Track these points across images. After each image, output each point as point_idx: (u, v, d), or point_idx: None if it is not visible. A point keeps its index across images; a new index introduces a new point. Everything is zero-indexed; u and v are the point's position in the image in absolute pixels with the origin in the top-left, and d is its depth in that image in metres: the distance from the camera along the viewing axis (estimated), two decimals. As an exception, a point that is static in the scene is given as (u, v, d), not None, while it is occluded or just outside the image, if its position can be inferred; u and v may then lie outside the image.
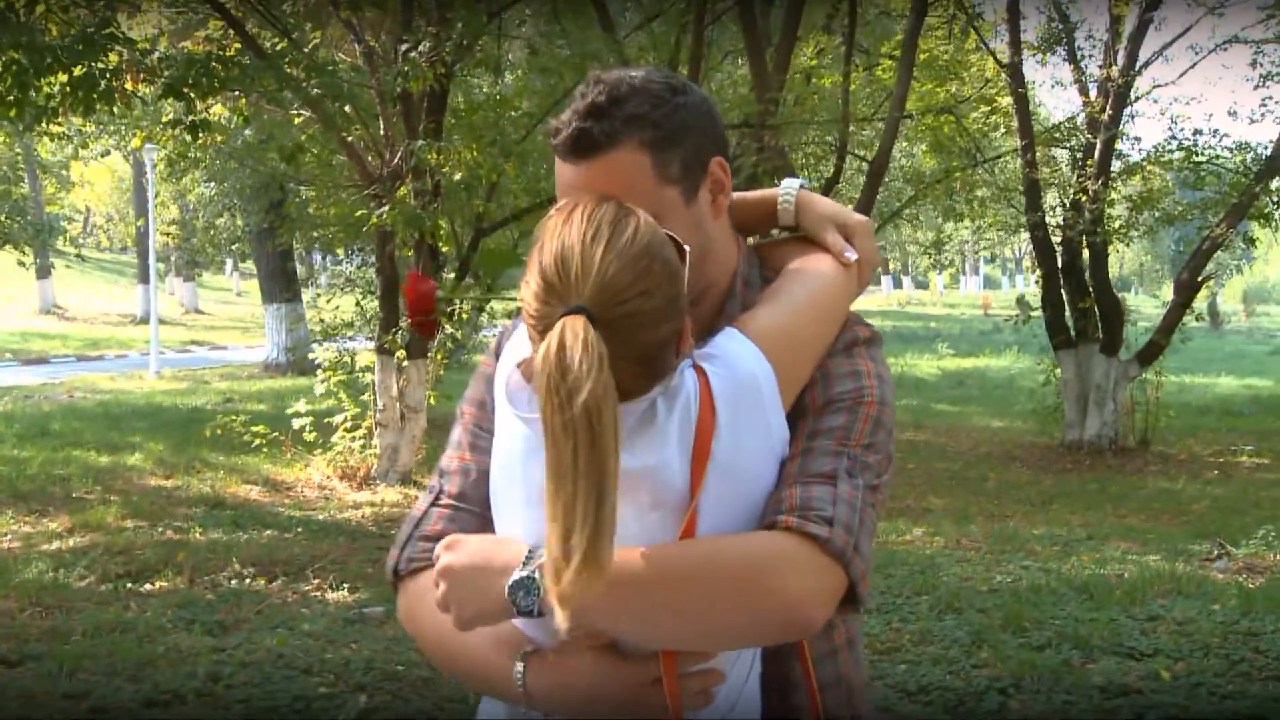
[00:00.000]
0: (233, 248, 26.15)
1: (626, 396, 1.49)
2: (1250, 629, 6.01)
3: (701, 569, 1.51)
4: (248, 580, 7.31)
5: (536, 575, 1.51)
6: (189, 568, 7.50)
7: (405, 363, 11.36)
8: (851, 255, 1.80)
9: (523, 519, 1.61)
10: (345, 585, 7.27)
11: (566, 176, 1.66)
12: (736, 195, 1.86)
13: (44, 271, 37.00)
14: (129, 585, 7.16)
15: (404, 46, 10.03)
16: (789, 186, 1.89)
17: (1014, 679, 5.37)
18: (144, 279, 33.63)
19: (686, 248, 1.58)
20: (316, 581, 7.38)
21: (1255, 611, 6.33)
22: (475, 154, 10.99)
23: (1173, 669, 5.46)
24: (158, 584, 7.22)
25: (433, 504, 1.78)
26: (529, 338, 1.56)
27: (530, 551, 1.54)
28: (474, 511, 1.74)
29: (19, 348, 29.32)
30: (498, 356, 1.77)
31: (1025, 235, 17.11)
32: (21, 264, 29.58)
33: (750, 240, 1.90)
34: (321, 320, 16.06)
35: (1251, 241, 15.49)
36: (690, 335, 1.58)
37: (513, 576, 1.53)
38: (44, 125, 10.47)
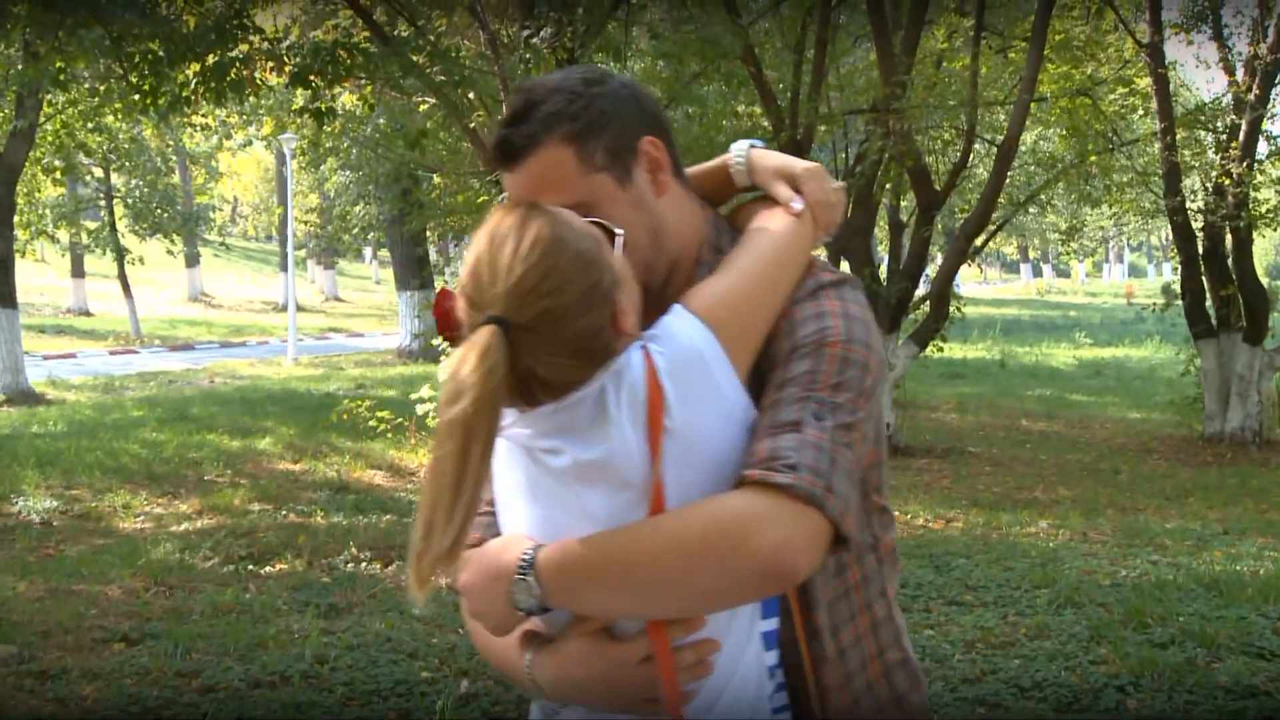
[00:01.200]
0: (369, 235, 26.64)
1: (567, 389, 1.59)
2: (1389, 632, 5.71)
3: (673, 537, 1.54)
4: (364, 564, 7.42)
5: (530, 576, 1.58)
6: (308, 550, 7.65)
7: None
8: (797, 205, 1.81)
9: (520, 521, 1.69)
10: (459, 570, 7.33)
11: (506, 184, 1.74)
12: (694, 169, 1.91)
13: (192, 260, 38.31)
14: (250, 567, 7.33)
15: (526, 33, 10.08)
16: (739, 148, 1.91)
17: (1133, 677, 5.18)
18: (285, 267, 34.50)
19: (618, 231, 1.66)
20: (431, 566, 7.45)
21: (1396, 614, 6.02)
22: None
23: (1305, 672, 5.21)
24: (278, 566, 7.37)
25: None
26: None
27: (524, 555, 1.60)
28: (491, 510, 1.79)
29: (167, 334, 30.35)
30: None
31: (1167, 222, 16.54)
32: (170, 252, 30.67)
33: (724, 209, 1.93)
34: (450, 307, 16.24)
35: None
36: (630, 316, 1.64)
37: (513, 580, 1.60)
38: (180, 115, 10.77)
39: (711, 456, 1.62)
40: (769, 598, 1.68)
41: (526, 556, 1.60)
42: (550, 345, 1.56)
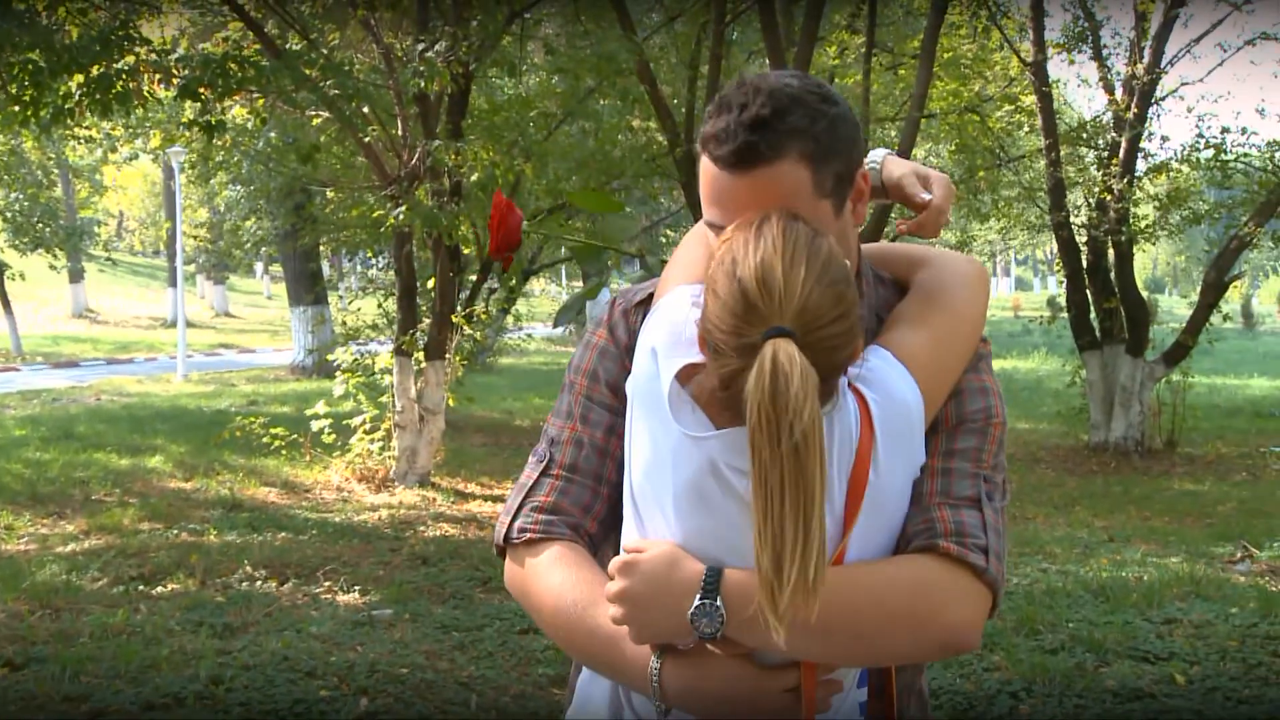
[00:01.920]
0: (260, 250, 26.23)
1: None
2: (1269, 633, 5.91)
3: (876, 596, 1.59)
4: (259, 583, 7.31)
5: (719, 601, 1.57)
6: (201, 570, 7.50)
7: (423, 364, 11.35)
8: (925, 196, 1.86)
9: (669, 520, 1.64)
10: (356, 587, 7.26)
11: (723, 185, 1.65)
12: None
13: (76, 275, 37.35)
14: (141, 588, 7.17)
15: (421, 47, 10.01)
16: (875, 154, 1.94)
17: (1026, 682, 5.30)
18: (173, 282, 33.82)
19: (848, 263, 1.59)
20: (327, 584, 7.37)
21: (1275, 615, 6.23)
22: (492, 154, 10.96)
23: (1188, 673, 5.37)
24: (169, 586, 7.22)
25: (543, 473, 1.80)
26: (705, 352, 1.57)
27: (708, 575, 1.58)
28: (586, 484, 1.78)
29: (50, 351, 29.54)
30: (610, 330, 1.85)
31: (1052, 236, 16.94)
32: (53, 268, 29.87)
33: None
34: (344, 323, 16.08)
35: (1280, 240, 15.26)
36: (855, 359, 1.60)
37: (694, 602, 1.58)
38: (63, 127, 10.50)
39: (890, 515, 1.65)
40: None
41: (710, 579, 1.58)
42: (819, 371, 1.48)
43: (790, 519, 1.44)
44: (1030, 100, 15.62)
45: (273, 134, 14.70)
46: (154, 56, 9.20)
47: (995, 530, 1.65)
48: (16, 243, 27.73)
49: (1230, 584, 7.23)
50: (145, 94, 9.41)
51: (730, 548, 1.59)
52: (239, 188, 21.11)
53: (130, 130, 16.48)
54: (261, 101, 11.07)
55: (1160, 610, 6.45)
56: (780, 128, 1.61)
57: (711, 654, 1.62)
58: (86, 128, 16.11)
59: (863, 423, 1.59)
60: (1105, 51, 15.18)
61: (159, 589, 7.16)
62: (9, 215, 27.49)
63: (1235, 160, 14.60)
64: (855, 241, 1.80)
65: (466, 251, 12.89)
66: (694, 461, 1.60)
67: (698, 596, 1.57)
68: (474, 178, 11.21)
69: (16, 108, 9.36)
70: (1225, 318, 14.94)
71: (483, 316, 12.63)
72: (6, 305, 28.14)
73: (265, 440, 11.77)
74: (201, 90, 9.16)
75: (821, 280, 1.50)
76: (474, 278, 14.12)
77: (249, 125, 13.44)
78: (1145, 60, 14.33)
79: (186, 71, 9.13)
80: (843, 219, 1.70)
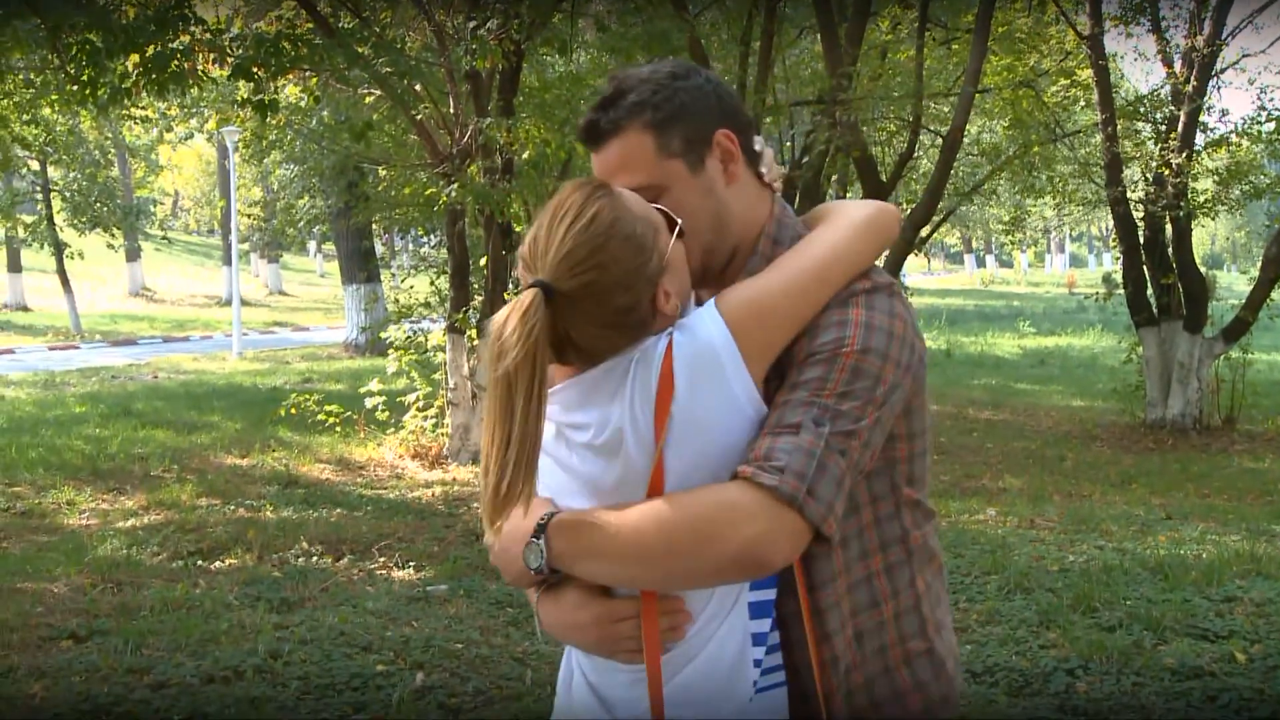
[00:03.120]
0: (314, 229, 26.40)
1: (598, 357, 1.79)
2: (1331, 612, 5.82)
3: (662, 521, 1.70)
4: (315, 558, 7.38)
5: (541, 540, 1.77)
6: (258, 545, 7.59)
7: (476, 342, 11.39)
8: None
9: (542, 483, 1.84)
10: (411, 564, 7.31)
11: (593, 162, 1.93)
12: None
13: (133, 254, 37.81)
14: (199, 562, 7.27)
15: (472, 24, 10.02)
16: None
17: (1082, 660, 5.25)
18: (228, 261, 34.14)
19: (678, 220, 1.84)
20: (383, 560, 7.43)
21: (1337, 594, 6.13)
22: (543, 132, 10.95)
23: (1248, 651, 5.30)
24: (227, 561, 7.31)
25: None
26: None
27: (541, 519, 1.79)
28: None
29: (108, 329, 29.96)
30: None
31: (1108, 212, 16.71)
32: (111, 247, 30.29)
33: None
34: (397, 300, 16.18)
35: (1343, 214, 14.97)
36: (672, 300, 1.81)
37: (526, 543, 1.79)
38: (120, 107, 10.59)
39: (715, 447, 1.76)
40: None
41: (541, 522, 1.78)
42: (588, 315, 1.75)
43: (495, 436, 1.69)
44: (1086, 74, 15.41)
45: (325, 112, 14.78)
46: (208, 36, 9.25)
47: (806, 451, 1.70)
48: (75, 222, 28.10)
49: (1291, 563, 7.13)
50: (200, 74, 9.47)
51: (577, 497, 1.82)
52: (292, 166, 21.28)
53: (185, 110, 16.64)
54: (315, 80, 11.13)
55: (1220, 588, 6.36)
56: (621, 104, 1.89)
57: (567, 589, 1.82)
58: (143, 108, 16.25)
59: (665, 361, 1.74)
60: (1164, 24, 14.91)
61: (217, 564, 7.25)
62: (68, 195, 27.85)
63: (1297, 133, 14.33)
64: (748, 198, 1.96)
65: (518, 229, 12.89)
66: (550, 432, 1.83)
67: (529, 537, 1.78)
68: (525, 155, 11.21)
69: (74, 87, 9.47)
70: (1290, 294, 14.67)
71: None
72: (66, 284, 28.53)
73: (320, 417, 11.89)
74: (255, 69, 9.21)
75: (580, 235, 1.73)
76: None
77: (302, 104, 13.52)
78: (1205, 32, 14.08)
79: (240, 51, 9.18)
80: (704, 176, 1.90)
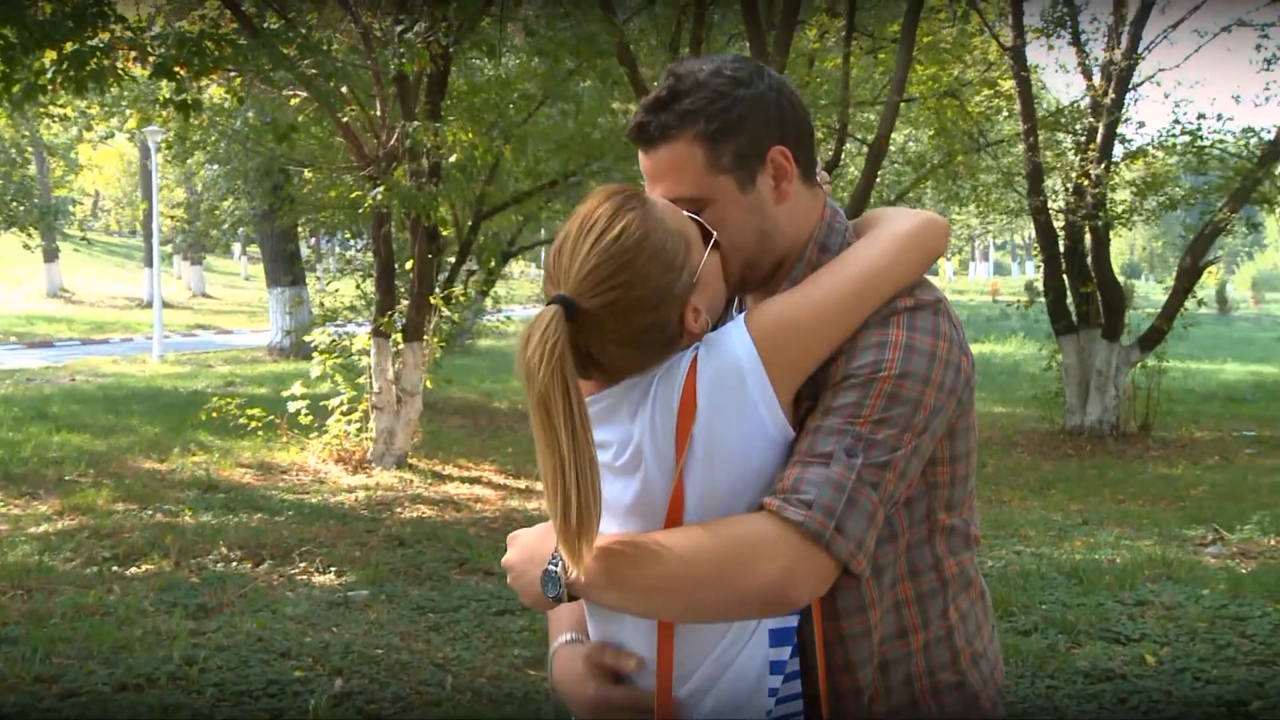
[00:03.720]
0: (238, 231, 26.05)
1: (621, 375, 1.72)
2: (1238, 613, 5.95)
3: (688, 553, 1.64)
4: (234, 564, 7.29)
5: (558, 568, 1.71)
6: (175, 551, 7.48)
7: (401, 346, 11.32)
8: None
9: None
10: (332, 569, 7.25)
11: (640, 161, 1.83)
12: None
13: (51, 254, 37.05)
14: (114, 568, 7.15)
15: (399, 27, 9.96)
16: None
17: (998, 665, 5.31)
18: (149, 263, 33.62)
19: (714, 234, 1.75)
20: (303, 565, 7.36)
21: (1243, 596, 6.29)
22: (470, 136, 10.91)
23: (1158, 654, 5.41)
24: (143, 567, 7.19)
25: None
26: None
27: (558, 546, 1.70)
28: None
29: (24, 331, 29.36)
30: None
31: (1031, 221, 16.98)
32: (27, 247, 29.62)
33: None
34: (322, 304, 16.02)
35: (1255, 226, 15.33)
36: (702, 317, 1.73)
37: (544, 569, 1.74)
38: (36, 105, 10.39)
39: (738, 470, 1.69)
40: None
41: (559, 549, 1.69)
42: (610, 333, 1.67)
43: (547, 467, 1.61)
44: (1009, 85, 15.65)
45: (250, 113, 14.61)
46: (129, 34, 9.11)
47: (836, 484, 1.62)
48: (-10, 221, 27.51)
49: (1201, 566, 7.29)
50: (120, 72, 9.33)
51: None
52: (216, 167, 20.98)
53: (106, 108, 16.35)
54: (239, 80, 10.99)
55: (1132, 592, 6.50)
56: (675, 109, 1.77)
57: (581, 659, 1.79)
58: (61, 105, 15.95)
59: (687, 379, 1.67)
60: (1083, 37, 15.21)
61: (132, 570, 7.13)
62: (-19, 194, 27.26)
63: (1211, 146, 14.65)
64: (799, 214, 1.84)
65: (445, 233, 12.85)
66: None
67: (547, 563, 1.73)
68: (453, 159, 11.17)
69: (-12, 84, 9.28)
70: (1200, 303, 15.00)
71: (461, 298, 12.61)
72: (-20, 284, 27.93)
73: (242, 421, 11.75)
74: (177, 69, 9.09)
75: (605, 250, 1.65)
76: (453, 259, 14.10)
77: (226, 104, 13.36)
78: (1123, 46, 14.37)
79: (162, 49, 9.05)
80: (753, 194, 1.79)
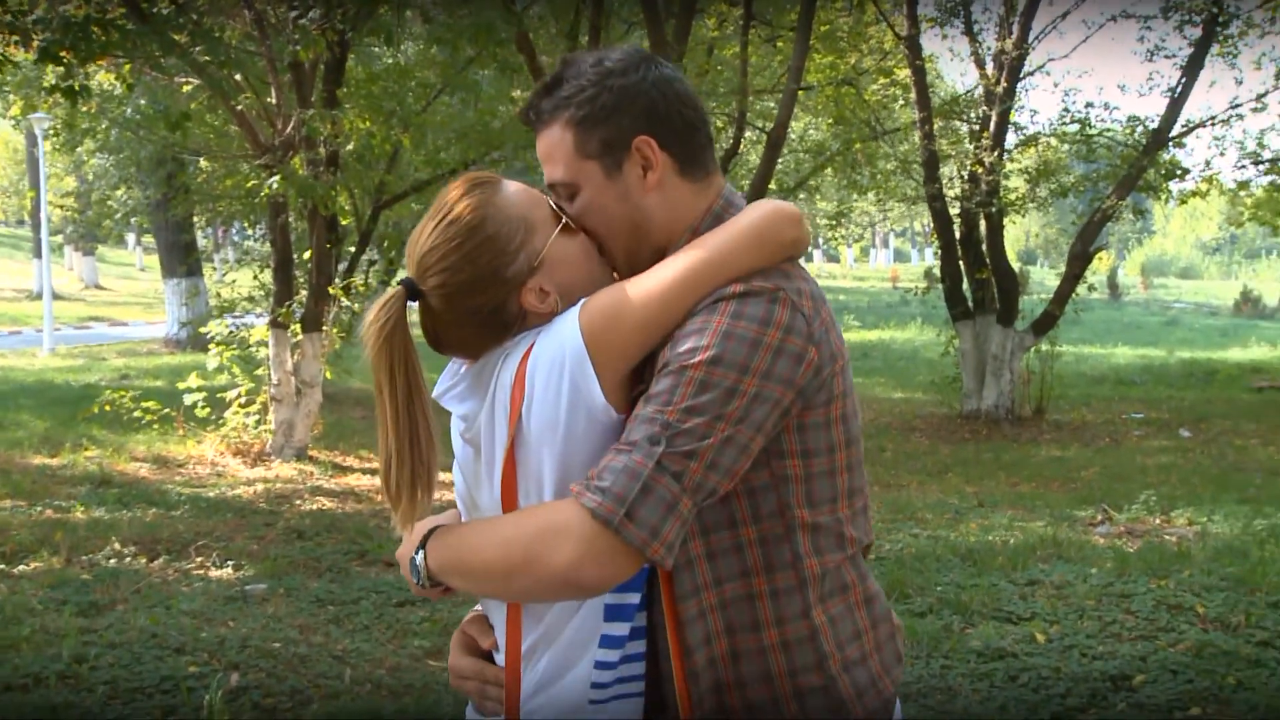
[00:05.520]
0: (131, 221, 25.50)
1: (469, 352, 1.83)
2: (1123, 591, 6.12)
3: (501, 538, 1.72)
4: (127, 559, 7.15)
5: (419, 556, 1.82)
6: (66, 547, 7.31)
7: (300, 337, 11.18)
8: None
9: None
10: (229, 563, 7.15)
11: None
12: None
13: (-65, 246, 35.97)
14: (1, 566, 6.96)
15: (294, 13, 9.81)
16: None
17: (894, 645, 5.40)
18: (38, 253, 32.79)
19: (564, 219, 1.84)
20: (200, 559, 7.24)
21: (1129, 574, 6.46)
22: (368, 124, 10.79)
23: (1048, 631, 5.54)
24: (32, 564, 7.02)
25: None
26: None
27: (428, 532, 1.83)
28: None
29: (-92, 324, 28.51)
30: None
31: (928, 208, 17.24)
32: (-91, 238, 28.74)
33: None
34: (219, 295, 15.75)
35: (1141, 213, 15.71)
36: (549, 298, 1.81)
37: (410, 558, 1.84)
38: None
39: (566, 453, 1.74)
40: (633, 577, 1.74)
41: (426, 536, 1.83)
42: (445, 314, 1.79)
43: (379, 432, 1.79)
44: (905, 74, 15.86)
45: (141, 101, 14.31)
46: (9, 17, 8.85)
47: (631, 473, 1.63)
48: None
49: (1090, 546, 7.47)
50: (2, 56, 9.06)
51: (461, 495, 1.88)
52: (107, 156, 20.54)
53: (-12, 94, 15.92)
54: (128, 67, 10.74)
55: (1024, 572, 6.64)
56: (555, 95, 1.85)
57: (460, 633, 1.97)
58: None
59: (522, 360, 1.75)
60: (976, 26, 15.48)
61: (20, 567, 6.96)
62: None
63: (1099, 134, 14.99)
64: (674, 203, 1.86)
65: (344, 222, 12.69)
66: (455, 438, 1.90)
67: (413, 551, 1.84)
68: (350, 147, 11.04)
69: None
70: (1091, 289, 15.36)
71: (361, 288, 12.45)
72: None
73: (136, 415, 11.51)
74: (63, 54, 8.85)
75: (437, 235, 1.78)
76: (352, 249, 13.94)
77: (115, 91, 13.06)
78: (1014, 35, 14.63)
79: (46, 34, 8.81)
80: (620, 181, 1.85)
